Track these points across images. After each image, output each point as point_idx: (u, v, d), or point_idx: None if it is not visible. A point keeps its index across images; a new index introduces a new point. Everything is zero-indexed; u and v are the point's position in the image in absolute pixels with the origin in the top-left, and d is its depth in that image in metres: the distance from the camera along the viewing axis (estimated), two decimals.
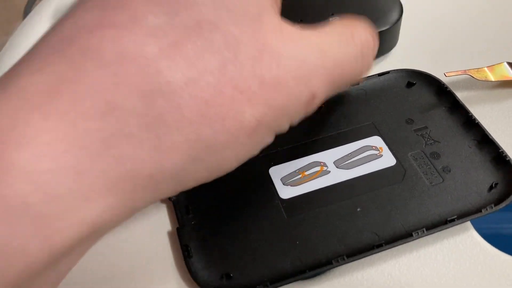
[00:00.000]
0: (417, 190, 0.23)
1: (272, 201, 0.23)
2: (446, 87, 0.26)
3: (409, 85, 0.27)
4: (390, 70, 0.28)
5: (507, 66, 0.28)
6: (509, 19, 0.32)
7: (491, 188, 0.22)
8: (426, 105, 0.26)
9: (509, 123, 0.26)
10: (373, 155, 0.24)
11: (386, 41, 0.29)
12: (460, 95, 0.27)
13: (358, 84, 0.27)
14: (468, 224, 0.22)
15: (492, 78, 0.27)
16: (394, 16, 0.29)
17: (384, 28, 0.28)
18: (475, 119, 0.25)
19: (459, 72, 0.26)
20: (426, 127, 0.25)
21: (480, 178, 0.23)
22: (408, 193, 0.22)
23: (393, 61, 0.30)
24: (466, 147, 0.24)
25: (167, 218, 0.23)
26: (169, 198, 0.23)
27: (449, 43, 0.31)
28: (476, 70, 0.27)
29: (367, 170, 0.24)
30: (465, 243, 0.22)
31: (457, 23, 0.32)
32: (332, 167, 0.24)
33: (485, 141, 0.24)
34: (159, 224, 0.23)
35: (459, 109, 0.25)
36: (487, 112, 0.27)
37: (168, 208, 0.24)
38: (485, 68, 0.27)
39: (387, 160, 0.24)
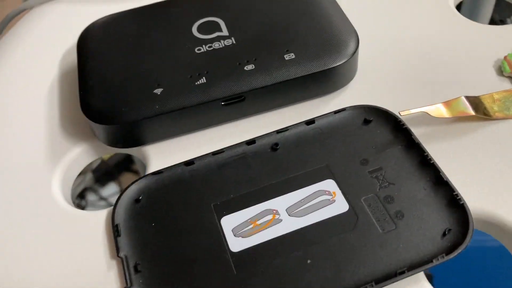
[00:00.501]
0: (368, 239, 0.22)
1: (223, 256, 0.22)
2: (403, 124, 0.26)
3: (366, 122, 0.27)
4: (346, 107, 0.27)
5: (465, 100, 0.27)
6: (465, 51, 0.31)
7: (444, 234, 0.22)
8: (382, 144, 0.26)
9: (466, 160, 0.26)
10: (326, 200, 0.24)
11: (344, 74, 0.29)
12: (418, 131, 0.26)
13: (313, 122, 0.27)
14: (421, 274, 0.22)
15: (447, 115, 0.26)
16: (351, 48, 0.28)
17: (341, 62, 0.28)
18: (430, 158, 0.24)
19: (414, 111, 0.26)
20: (381, 168, 0.25)
21: (434, 223, 0.22)
22: (360, 242, 0.22)
23: (351, 96, 0.29)
24: (421, 189, 0.24)
25: (116, 276, 0.23)
26: (118, 255, 0.23)
27: (408, 76, 0.30)
28: (431, 107, 0.26)
29: (319, 218, 0.23)
30: None
31: (414, 55, 0.31)
32: (284, 215, 0.23)
33: (439, 182, 0.23)
34: (107, 282, 0.23)
35: (415, 148, 0.25)
36: (445, 149, 0.26)
37: (118, 265, 0.23)
38: (440, 105, 0.26)
39: (340, 206, 0.23)
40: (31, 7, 0.39)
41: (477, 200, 0.24)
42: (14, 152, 0.28)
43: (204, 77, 0.27)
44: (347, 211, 0.23)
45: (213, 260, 0.22)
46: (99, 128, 0.27)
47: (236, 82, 0.27)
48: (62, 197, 0.26)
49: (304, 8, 0.30)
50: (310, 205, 0.24)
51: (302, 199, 0.24)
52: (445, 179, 0.23)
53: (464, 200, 0.22)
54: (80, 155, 0.28)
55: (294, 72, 0.27)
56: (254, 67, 0.27)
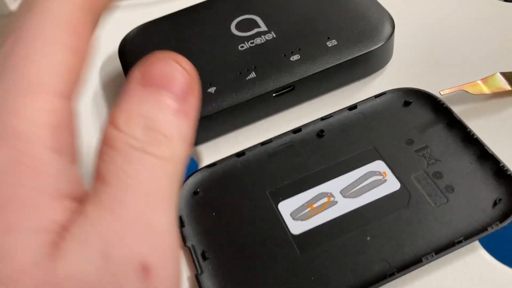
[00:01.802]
0: (423, 213, 0.23)
1: (285, 239, 0.23)
2: (443, 104, 0.27)
3: (406, 104, 0.28)
4: (386, 91, 0.28)
5: (501, 76, 0.28)
6: (498, 29, 0.32)
7: (495, 204, 0.23)
8: (424, 124, 0.27)
9: (507, 134, 0.27)
10: (378, 180, 0.25)
11: (380, 58, 0.30)
12: (457, 109, 0.27)
13: (356, 108, 0.28)
14: (476, 243, 0.23)
15: (486, 91, 0.27)
16: (387, 31, 0.29)
17: (378, 45, 0.29)
18: (473, 134, 0.25)
19: (454, 89, 0.27)
20: (426, 147, 0.26)
21: (484, 194, 0.23)
22: (415, 217, 0.23)
23: (389, 78, 0.30)
24: (467, 163, 0.25)
25: (185, 264, 0.24)
26: (184, 244, 0.24)
27: (442, 55, 0.31)
28: (470, 84, 0.27)
29: (373, 197, 0.24)
30: (474, 262, 0.22)
31: (448, 34, 0.32)
32: (339, 197, 0.24)
33: (485, 156, 0.25)
34: None
35: (457, 125, 0.26)
36: (486, 125, 0.27)
37: (185, 254, 0.24)
38: (479, 81, 0.28)
39: (392, 184, 0.24)
40: None
41: None
42: None
43: (253, 72, 0.28)
44: (399, 189, 0.24)
45: (276, 244, 0.23)
46: None
47: (285, 73, 0.28)
48: None
49: None
50: (362, 186, 0.25)
51: (354, 181, 0.25)
52: (490, 152, 0.24)
53: (511, 171, 0.24)
54: None
55: (338, 57, 0.28)
56: (299, 57, 0.28)
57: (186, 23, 0.32)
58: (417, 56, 0.31)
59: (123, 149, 0.14)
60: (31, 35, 0.15)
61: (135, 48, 0.31)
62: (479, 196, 0.23)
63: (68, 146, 0.15)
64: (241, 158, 0.27)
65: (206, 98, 0.27)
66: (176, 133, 0.15)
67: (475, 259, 0.22)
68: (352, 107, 0.28)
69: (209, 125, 0.28)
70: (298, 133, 0.27)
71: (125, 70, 0.30)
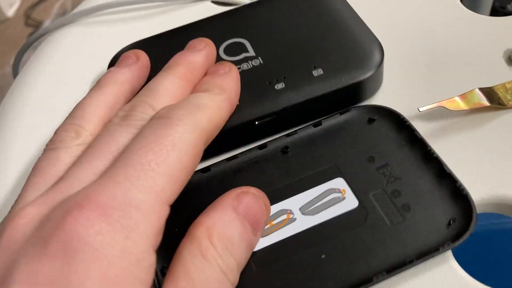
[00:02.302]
0: (378, 232, 0.23)
1: None
2: (405, 121, 0.27)
3: (370, 121, 0.28)
4: (351, 107, 0.29)
5: (479, 92, 0.28)
6: (476, 44, 0.32)
7: (449, 224, 0.23)
8: (386, 141, 0.27)
9: (485, 149, 0.27)
10: (337, 198, 0.25)
11: (368, 88, 0.29)
12: (435, 125, 0.28)
13: (320, 124, 0.28)
14: (449, 254, 0.23)
15: (464, 107, 0.28)
16: (375, 61, 0.29)
17: (365, 76, 0.28)
18: (433, 152, 0.26)
19: (432, 106, 0.27)
20: (387, 164, 0.26)
21: (439, 214, 0.24)
22: (370, 235, 0.23)
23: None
24: (426, 182, 0.25)
25: None
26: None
27: (418, 71, 0.31)
28: (448, 100, 0.28)
29: (331, 215, 0.25)
30: (441, 275, 0.23)
31: (426, 50, 0.33)
32: (298, 214, 0.25)
33: (443, 175, 0.25)
34: None
35: (418, 143, 0.26)
36: (463, 141, 0.28)
37: None
38: (457, 98, 0.28)
39: (350, 202, 0.25)
40: (48, 32, 0.41)
41: (499, 186, 0.26)
42: None
43: None
44: (357, 207, 0.25)
45: None
46: None
47: (269, 102, 0.28)
48: None
49: (324, 21, 0.31)
50: (321, 203, 0.25)
51: (314, 198, 0.25)
52: (447, 171, 0.25)
53: (467, 191, 0.24)
54: None
55: (323, 87, 0.28)
56: (284, 85, 0.28)
57: (177, 43, 0.31)
58: (392, 72, 0.31)
59: (213, 264, 0.20)
60: None
61: None
62: (434, 216, 0.24)
63: None
64: (206, 174, 0.27)
65: None
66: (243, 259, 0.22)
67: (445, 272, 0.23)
68: (316, 124, 0.28)
69: None
70: (263, 149, 0.28)
71: None
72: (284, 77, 0.29)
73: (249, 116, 0.28)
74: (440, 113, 0.29)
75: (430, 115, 0.29)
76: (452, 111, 0.28)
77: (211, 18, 0.34)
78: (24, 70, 0.38)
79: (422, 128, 0.28)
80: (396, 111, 0.28)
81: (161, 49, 0.32)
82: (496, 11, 0.63)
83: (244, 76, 0.29)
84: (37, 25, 1.50)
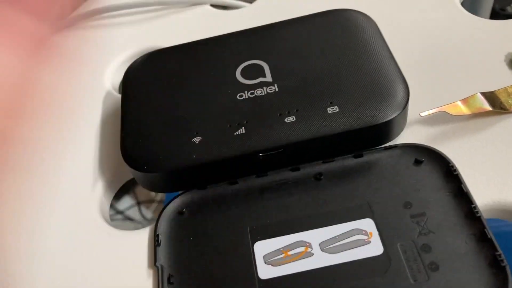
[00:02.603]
0: (398, 287, 0.22)
1: (250, 281, 0.23)
2: (454, 170, 0.25)
3: (417, 162, 0.26)
4: (398, 144, 0.26)
5: (481, 97, 0.27)
6: (478, 49, 0.31)
7: None
8: (430, 188, 0.25)
9: (487, 154, 0.26)
10: (361, 240, 0.23)
11: (385, 132, 0.26)
12: (437, 130, 0.27)
13: (362, 156, 0.26)
14: None
15: (466, 111, 0.27)
16: (399, 102, 0.26)
17: (381, 121, 0.25)
18: (477, 211, 0.23)
19: (434, 110, 0.27)
20: (424, 214, 0.24)
21: (470, 282, 0.21)
22: None
23: None
24: (463, 243, 0.23)
25: (151, 284, 0.24)
26: (154, 263, 0.24)
27: (422, 76, 0.30)
28: (450, 105, 0.27)
29: (352, 257, 0.23)
30: None
31: (428, 55, 0.32)
32: (316, 249, 0.23)
33: (483, 239, 0.22)
34: None
35: (463, 197, 0.24)
36: (465, 145, 0.27)
37: (155, 275, 0.25)
38: (458, 102, 0.27)
39: (375, 248, 0.23)
40: None
41: (501, 191, 0.25)
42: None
43: (243, 127, 0.26)
44: (380, 255, 0.23)
45: (241, 284, 0.23)
46: (136, 173, 0.27)
47: (276, 135, 0.26)
48: (101, 218, 0.28)
49: (351, 51, 0.28)
50: (344, 243, 0.23)
51: (337, 236, 0.24)
52: (489, 236, 0.22)
53: (506, 263, 0.21)
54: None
55: (336, 126, 0.25)
56: (295, 119, 0.26)
57: (193, 59, 0.30)
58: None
59: None
60: None
61: (135, 82, 0.30)
62: (464, 283, 0.21)
63: None
64: (233, 187, 0.27)
65: (188, 148, 0.26)
66: None
67: None
68: (358, 155, 0.26)
69: (190, 176, 0.26)
70: (296, 172, 0.27)
71: (122, 103, 0.29)
72: (297, 110, 0.26)
73: (253, 147, 0.26)
74: (441, 118, 0.28)
75: (432, 120, 0.28)
76: (454, 115, 0.27)
77: (233, 34, 0.32)
78: None
79: (424, 133, 0.28)
80: (447, 157, 0.25)
81: (176, 62, 0.31)
82: (496, 14, 0.60)
83: (256, 103, 0.27)
84: None
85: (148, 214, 0.98)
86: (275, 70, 0.29)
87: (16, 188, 0.30)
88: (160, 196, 1.01)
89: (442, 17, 0.34)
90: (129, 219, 0.97)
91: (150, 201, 1.01)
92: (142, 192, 0.99)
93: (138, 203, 0.99)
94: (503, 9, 0.65)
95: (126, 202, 0.97)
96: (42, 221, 0.28)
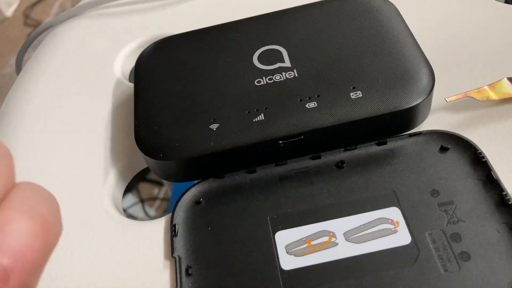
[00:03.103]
0: (427, 278, 0.21)
1: (273, 272, 0.22)
2: (483, 157, 0.24)
3: (442, 149, 0.25)
4: (423, 131, 0.26)
5: (508, 82, 0.27)
6: (504, 34, 0.31)
7: None
8: (457, 175, 0.24)
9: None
10: (387, 229, 0.22)
11: (410, 118, 0.26)
12: (464, 116, 0.26)
13: (385, 143, 0.26)
14: None
15: (494, 96, 0.26)
16: (421, 91, 0.25)
17: (406, 106, 0.24)
18: (509, 199, 0.22)
19: (460, 96, 0.26)
20: (452, 202, 0.23)
21: (503, 272, 0.20)
22: (418, 279, 0.21)
23: None
24: (494, 232, 0.22)
25: (168, 275, 0.23)
26: (172, 254, 0.23)
27: (448, 61, 0.30)
28: (476, 90, 0.26)
29: (378, 247, 0.22)
30: None
31: (453, 40, 0.31)
32: (341, 238, 0.23)
33: None
34: (161, 281, 0.23)
35: (493, 184, 0.23)
36: (492, 132, 0.26)
37: (172, 266, 0.24)
38: (486, 87, 0.26)
39: (402, 237, 0.22)
40: (52, 26, 0.39)
41: None
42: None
43: (262, 114, 0.25)
44: (408, 244, 0.22)
45: (263, 275, 0.22)
46: (151, 162, 0.26)
47: (296, 121, 0.25)
48: (114, 208, 0.27)
49: (372, 35, 0.28)
50: (369, 232, 0.23)
51: (362, 225, 0.23)
52: None
53: None
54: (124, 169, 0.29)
55: (359, 112, 0.24)
56: (316, 104, 0.25)
57: (209, 44, 0.30)
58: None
59: None
60: None
61: (149, 67, 0.29)
62: (496, 273, 0.20)
63: None
64: (251, 175, 0.26)
65: (205, 135, 0.25)
66: None
67: None
68: (381, 142, 0.26)
69: (207, 164, 0.25)
70: (317, 160, 0.26)
71: (136, 89, 0.28)
72: (318, 96, 0.25)
73: (272, 134, 0.25)
74: (467, 104, 0.27)
75: (457, 106, 0.27)
76: (480, 101, 0.26)
77: (249, 19, 0.31)
78: (29, 65, 0.37)
79: (449, 119, 0.27)
80: (474, 144, 0.24)
81: (191, 48, 0.30)
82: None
83: (275, 89, 0.26)
84: (36, 25, 1.46)
85: (151, 211, 0.97)
86: (294, 55, 0.28)
87: (28, 179, 0.29)
88: (163, 193, 1.00)
89: (466, 2, 0.33)
90: (132, 217, 0.96)
91: (153, 199, 1.00)
92: (145, 190, 0.98)
93: (142, 201, 0.98)
94: None
95: (129, 200, 0.96)
96: None
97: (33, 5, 1.53)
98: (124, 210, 0.91)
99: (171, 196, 0.77)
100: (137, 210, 0.98)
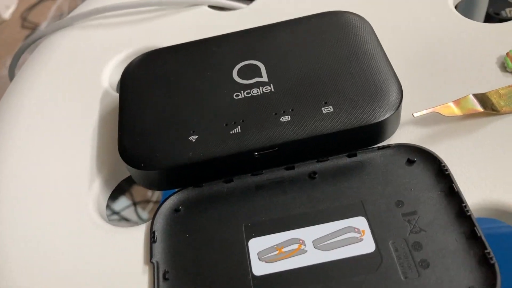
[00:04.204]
0: (388, 284, 0.22)
1: (245, 278, 0.23)
2: (446, 170, 0.25)
3: (409, 162, 0.26)
4: (391, 144, 0.27)
5: (473, 98, 0.28)
6: (470, 51, 0.32)
7: None
8: (421, 187, 0.25)
9: (478, 154, 0.27)
10: (354, 238, 0.24)
11: (379, 132, 0.27)
12: (429, 131, 0.28)
13: (355, 155, 0.27)
14: None
15: (458, 112, 0.28)
16: (392, 103, 0.26)
17: (374, 121, 0.26)
18: (468, 210, 0.24)
19: (427, 111, 0.27)
20: (415, 212, 0.24)
21: (459, 278, 0.22)
22: (379, 286, 0.22)
23: None
24: (453, 241, 0.23)
25: (146, 280, 0.25)
26: (150, 259, 0.25)
27: (416, 77, 0.31)
28: (442, 106, 0.28)
29: (344, 254, 0.23)
30: None
31: (421, 56, 0.32)
32: (310, 246, 0.24)
33: (473, 236, 0.23)
34: (138, 285, 0.24)
35: (454, 197, 0.24)
36: (457, 146, 0.27)
37: (150, 271, 0.25)
38: (451, 104, 0.28)
39: (366, 245, 0.23)
40: (44, 35, 0.40)
41: (492, 191, 0.25)
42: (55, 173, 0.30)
43: (239, 126, 0.26)
44: (372, 252, 0.23)
45: (236, 280, 0.23)
46: (133, 171, 0.27)
47: (271, 134, 0.26)
48: (98, 215, 0.28)
49: (345, 52, 0.29)
50: (337, 240, 0.24)
51: (330, 233, 0.24)
52: (479, 234, 0.23)
53: (495, 260, 0.22)
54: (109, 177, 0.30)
55: (330, 126, 0.26)
56: (290, 118, 0.26)
57: (190, 59, 0.31)
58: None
59: None
60: None
61: (133, 80, 0.31)
62: (454, 280, 0.22)
63: None
64: (228, 185, 0.27)
65: (184, 146, 0.26)
66: None
67: None
68: (351, 154, 0.27)
69: (186, 174, 0.27)
70: (291, 171, 0.27)
71: (120, 101, 0.30)
72: (292, 109, 0.27)
73: (248, 146, 0.26)
74: (434, 119, 0.28)
75: (424, 121, 0.29)
76: (446, 116, 0.28)
77: (230, 34, 0.32)
78: (21, 73, 0.38)
79: (417, 133, 0.28)
80: (438, 157, 0.26)
81: (174, 61, 0.31)
82: (490, 18, 0.61)
83: (252, 102, 0.27)
84: (34, 27, 1.46)
85: (144, 214, 0.98)
86: (271, 70, 0.29)
87: (13, 186, 0.30)
88: (156, 196, 1.01)
89: (436, 20, 0.34)
90: (125, 219, 0.97)
91: (146, 202, 1.01)
92: (138, 192, 0.99)
93: (134, 204, 1.00)
94: (497, 13, 0.66)
95: (122, 203, 0.97)
96: (39, 219, 0.28)
97: (31, 8, 1.53)
98: (117, 213, 0.92)
99: (161, 199, 0.78)
100: (130, 212, 0.99)
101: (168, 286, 0.24)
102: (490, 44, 0.32)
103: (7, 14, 1.63)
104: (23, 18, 1.52)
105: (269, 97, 0.28)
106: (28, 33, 1.46)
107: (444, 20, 0.34)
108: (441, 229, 0.24)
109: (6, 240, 0.27)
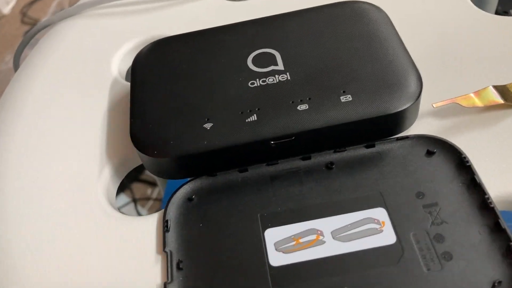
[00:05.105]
0: (410, 276, 0.21)
1: (261, 268, 0.23)
2: (467, 161, 0.25)
3: (429, 153, 0.26)
4: (410, 135, 0.26)
5: (493, 89, 0.28)
6: (491, 43, 0.32)
7: (493, 286, 0.21)
8: (442, 178, 0.25)
9: (499, 146, 0.26)
10: (373, 229, 0.23)
11: (398, 122, 0.26)
12: (449, 122, 0.27)
13: (374, 146, 0.26)
14: None
15: (479, 103, 0.27)
16: (409, 95, 0.26)
17: (400, 109, 0.25)
18: (491, 202, 0.23)
19: (446, 102, 0.27)
20: (436, 204, 0.24)
21: (484, 272, 0.21)
22: (401, 278, 0.21)
23: None
24: (476, 233, 0.22)
25: (159, 269, 0.24)
26: (163, 249, 0.24)
27: (436, 68, 0.31)
28: (463, 97, 0.27)
29: (363, 246, 0.23)
30: None
31: (441, 48, 0.32)
32: (328, 237, 0.23)
33: (497, 229, 0.22)
34: (151, 275, 0.24)
35: (476, 188, 0.24)
36: (477, 138, 0.27)
37: (163, 260, 0.24)
38: (472, 94, 0.27)
39: (387, 237, 0.23)
40: (50, 24, 0.40)
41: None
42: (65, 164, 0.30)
43: (255, 114, 0.26)
44: (393, 244, 0.23)
45: (252, 271, 0.23)
46: (145, 159, 0.26)
47: (288, 122, 0.25)
48: (108, 203, 0.28)
49: (363, 41, 0.28)
50: (356, 232, 0.23)
51: (349, 224, 0.24)
52: (503, 226, 0.22)
53: None
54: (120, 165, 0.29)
55: (348, 115, 0.25)
56: (307, 107, 0.26)
57: (205, 46, 0.30)
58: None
59: None
60: None
61: (146, 67, 0.30)
62: (478, 273, 0.21)
63: None
64: (243, 174, 0.26)
65: (199, 134, 0.25)
66: None
67: None
68: (369, 145, 0.26)
69: (200, 162, 0.26)
70: (307, 161, 0.26)
71: (132, 88, 0.29)
72: (309, 98, 0.26)
73: (264, 135, 0.25)
74: (454, 110, 0.28)
75: (444, 112, 0.28)
76: (466, 107, 0.27)
77: (243, 23, 0.32)
78: (26, 62, 0.37)
79: (436, 125, 0.28)
80: (459, 148, 0.25)
81: (186, 49, 0.30)
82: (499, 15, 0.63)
83: (268, 91, 0.27)
84: (34, 23, 1.44)
85: (144, 212, 0.97)
86: (287, 58, 0.28)
87: (23, 174, 0.29)
88: (156, 193, 1.00)
89: (453, 11, 0.34)
90: None
91: (146, 199, 1.00)
92: (138, 189, 0.98)
93: (134, 201, 0.99)
94: (506, 12, 0.66)
95: (122, 200, 0.96)
96: (49, 207, 0.27)
97: (31, 3, 1.52)
98: (117, 210, 0.92)
99: (164, 195, 0.78)
100: (130, 209, 0.98)
101: (182, 275, 0.23)
102: (508, 37, 0.32)
103: (6, 10, 1.62)
104: (23, 14, 1.50)
105: (285, 86, 0.27)
106: (27, 29, 1.45)
107: (461, 11, 0.34)
108: (463, 221, 0.23)
109: (16, 229, 0.27)
